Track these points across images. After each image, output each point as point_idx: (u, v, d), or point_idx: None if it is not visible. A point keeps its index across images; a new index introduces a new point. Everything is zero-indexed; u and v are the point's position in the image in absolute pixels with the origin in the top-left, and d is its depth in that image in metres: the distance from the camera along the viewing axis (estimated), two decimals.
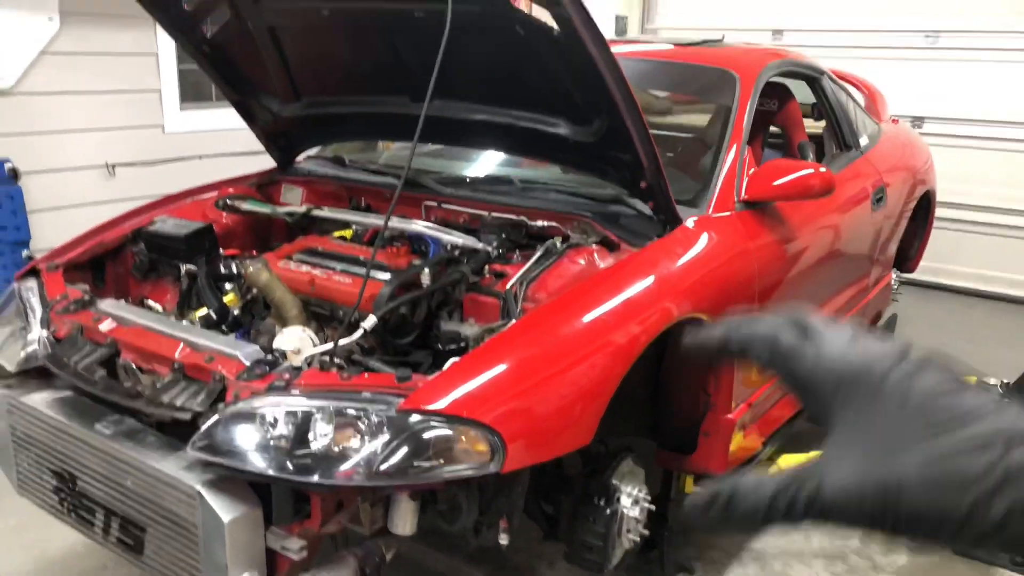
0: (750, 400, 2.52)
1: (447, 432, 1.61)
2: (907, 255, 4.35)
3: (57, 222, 4.59)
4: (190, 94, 5.36)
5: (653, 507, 2.20)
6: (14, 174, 4.45)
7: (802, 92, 3.49)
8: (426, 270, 2.10)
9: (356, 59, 2.54)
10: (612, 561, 2.08)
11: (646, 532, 2.16)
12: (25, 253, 4.44)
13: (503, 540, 1.83)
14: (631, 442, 2.37)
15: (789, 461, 2.77)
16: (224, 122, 5.11)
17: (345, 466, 1.58)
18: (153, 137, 5.17)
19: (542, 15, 1.94)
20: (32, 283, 2.30)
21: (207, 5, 2.47)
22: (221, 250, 2.49)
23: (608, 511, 2.05)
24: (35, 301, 2.22)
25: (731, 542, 2.93)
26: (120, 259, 2.59)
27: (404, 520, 1.77)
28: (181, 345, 1.89)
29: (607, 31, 5.28)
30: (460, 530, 1.84)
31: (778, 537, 2.97)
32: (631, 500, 2.12)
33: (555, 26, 1.91)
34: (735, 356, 0.56)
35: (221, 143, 5.27)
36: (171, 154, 5.19)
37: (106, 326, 2.03)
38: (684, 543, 2.84)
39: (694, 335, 0.57)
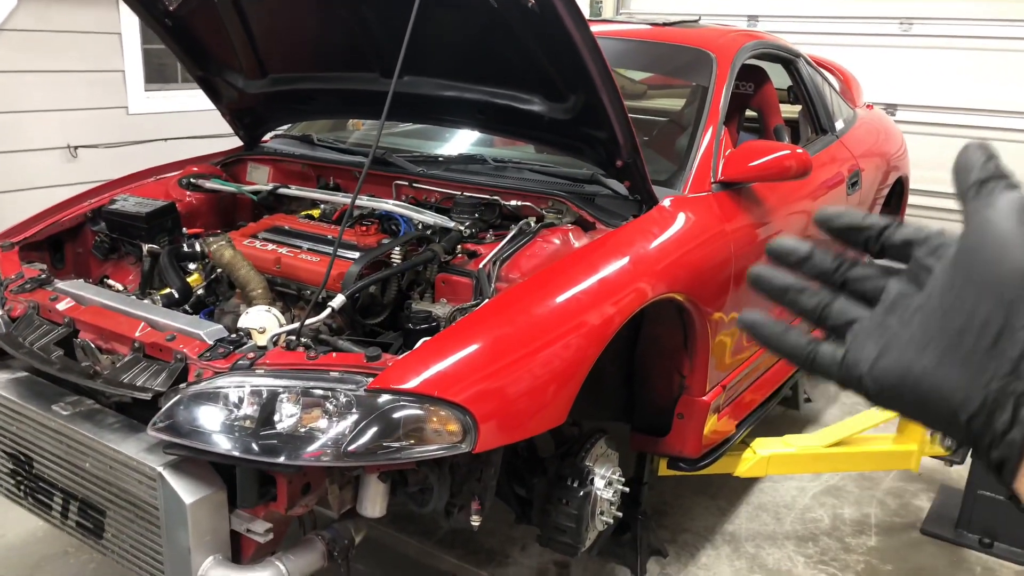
0: (724, 382, 2.51)
1: (417, 412, 1.56)
2: None
3: (16, 204, 4.46)
4: (155, 75, 5.24)
5: (627, 489, 2.17)
6: None
7: (778, 77, 3.47)
8: (396, 248, 2.05)
9: (324, 34, 2.47)
10: (585, 543, 2.05)
11: (619, 514, 2.13)
12: None
13: (475, 522, 1.79)
14: (605, 425, 2.34)
15: (763, 445, 2.77)
16: (190, 104, 5.03)
17: (312, 447, 1.53)
18: (117, 119, 5.05)
19: None
20: None
21: None
22: (184, 229, 2.42)
23: (581, 493, 2.03)
24: None
25: (704, 525, 2.92)
26: (80, 239, 2.51)
27: (373, 502, 1.73)
28: (141, 324, 1.83)
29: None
30: (431, 512, 1.80)
31: (750, 520, 2.97)
32: (604, 482, 2.09)
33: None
34: None
35: (186, 125, 5.16)
36: (135, 136, 5.08)
37: (63, 305, 1.96)
38: (657, 526, 2.83)
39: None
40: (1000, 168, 0.51)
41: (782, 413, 3.74)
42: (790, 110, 3.66)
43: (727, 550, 2.80)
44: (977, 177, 0.50)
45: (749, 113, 3.53)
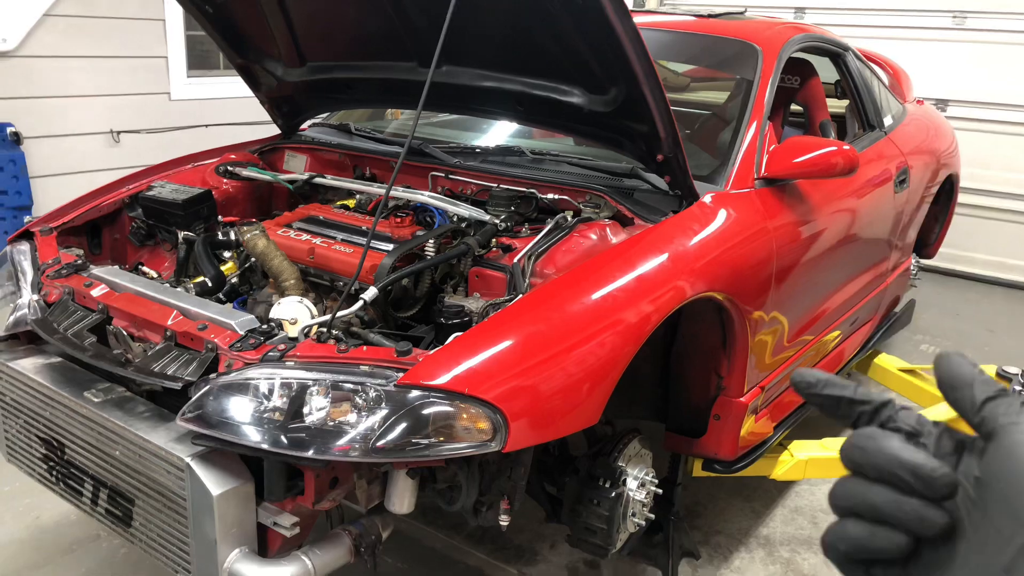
0: (763, 383, 2.44)
1: (447, 408, 1.53)
2: (927, 240, 4.24)
3: (60, 188, 4.53)
4: (197, 62, 5.28)
5: (660, 491, 2.13)
6: (16, 138, 4.38)
7: (825, 71, 3.37)
8: (430, 241, 2.02)
9: (363, 22, 2.45)
10: (616, 545, 2.01)
11: (652, 516, 2.09)
12: (27, 219, 4.38)
13: (503, 521, 1.76)
14: (638, 424, 2.29)
15: (801, 448, 2.70)
16: (231, 91, 5.06)
17: (341, 441, 1.51)
18: (159, 104, 5.10)
19: None
20: (24, 246, 2.23)
21: None
22: (220, 217, 2.41)
23: (613, 494, 1.98)
24: (26, 264, 2.16)
25: (738, 528, 2.86)
26: (117, 224, 2.52)
27: (402, 498, 1.71)
28: (174, 313, 1.82)
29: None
30: (459, 510, 1.77)
31: (785, 524, 2.90)
32: (637, 483, 2.05)
33: None
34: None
35: (228, 112, 5.20)
36: (177, 122, 5.13)
37: (98, 291, 1.96)
38: (690, 527, 2.77)
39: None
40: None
41: (820, 415, 3.65)
42: (837, 105, 3.56)
43: (761, 554, 2.74)
44: (986, 393, 0.46)
45: (794, 108, 3.44)
